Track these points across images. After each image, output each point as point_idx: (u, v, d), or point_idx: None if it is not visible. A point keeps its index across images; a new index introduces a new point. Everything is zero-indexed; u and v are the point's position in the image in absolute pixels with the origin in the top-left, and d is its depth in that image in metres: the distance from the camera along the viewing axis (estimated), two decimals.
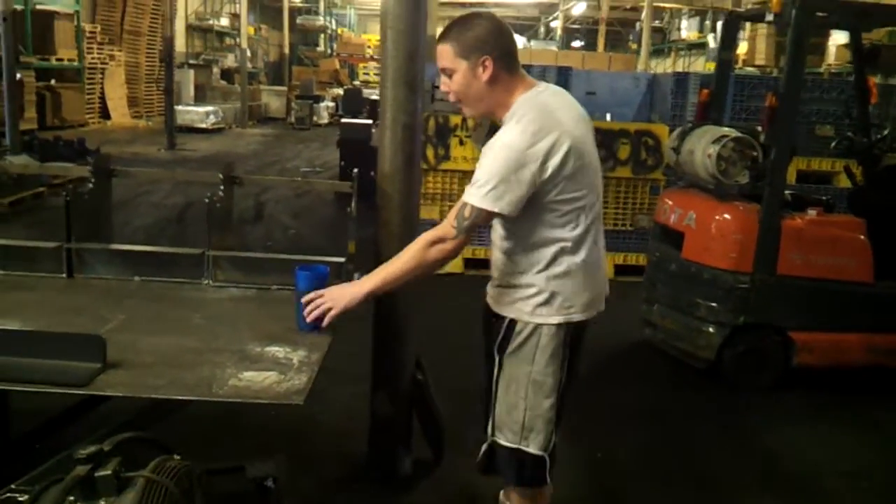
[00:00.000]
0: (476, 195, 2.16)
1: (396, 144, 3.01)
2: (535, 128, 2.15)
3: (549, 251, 2.25)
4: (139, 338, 2.28)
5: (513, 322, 2.30)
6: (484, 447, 2.43)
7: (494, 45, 2.21)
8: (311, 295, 2.35)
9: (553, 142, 2.14)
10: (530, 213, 2.21)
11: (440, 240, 2.23)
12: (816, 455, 3.86)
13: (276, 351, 2.27)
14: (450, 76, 2.25)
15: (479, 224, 2.22)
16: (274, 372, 2.11)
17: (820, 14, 4.17)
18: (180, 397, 1.93)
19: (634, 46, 26.82)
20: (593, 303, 2.34)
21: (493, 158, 2.16)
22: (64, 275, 2.82)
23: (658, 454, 3.81)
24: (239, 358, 2.19)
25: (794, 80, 4.16)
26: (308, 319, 2.34)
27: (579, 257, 2.27)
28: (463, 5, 27.39)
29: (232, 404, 2.13)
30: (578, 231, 2.26)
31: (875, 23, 5.27)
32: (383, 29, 2.92)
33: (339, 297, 2.32)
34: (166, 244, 3.27)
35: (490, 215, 2.19)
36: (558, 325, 2.28)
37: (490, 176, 2.14)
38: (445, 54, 2.23)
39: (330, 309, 2.32)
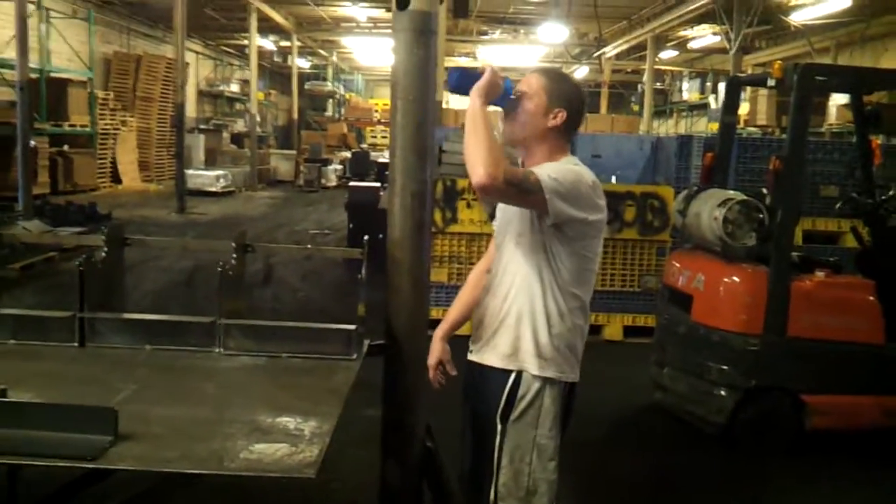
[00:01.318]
0: (549, 180, 2.21)
1: (406, 211, 3.03)
2: (596, 181, 2.34)
3: (565, 311, 2.30)
4: (150, 408, 2.27)
5: (518, 378, 2.32)
6: None
7: (575, 109, 2.39)
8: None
9: (603, 201, 2.33)
10: (565, 257, 2.30)
11: (500, 173, 2.18)
12: None
13: (288, 421, 2.26)
14: (521, 98, 2.37)
15: (525, 190, 2.22)
16: (285, 444, 2.09)
17: (820, 79, 4.24)
18: (191, 471, 1.92)
19: (636, 108, 27.21)
20: (578, 365, 2.43)
21: (565, 171, 2.26)
22: (76, 344, 2.83)
23: None
24: (250, 429, 2.18)
25: (797, 144, 4.21)
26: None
27: (584, 321, 2.40)
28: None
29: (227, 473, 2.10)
30: (589, 295, 2.40)
31: (874, 86, 5.35)
32: (393, 99, 2.97)
33: (485, 87, 2.31)
34: (176, 309, 3.29)
35: (539, 200, 2.21)
36: (561, 385, 2.35)
37: (562, 178, 2.23)
38: (534, 82, 2.38)
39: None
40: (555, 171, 2.25)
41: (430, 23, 2.90)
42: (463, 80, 2.41)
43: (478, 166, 2.20)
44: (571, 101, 2.38)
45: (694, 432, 4.62)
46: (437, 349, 2.59)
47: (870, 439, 4.50)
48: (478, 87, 2.30)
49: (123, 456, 1.92)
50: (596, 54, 22.46)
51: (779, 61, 4.33)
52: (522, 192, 2.22)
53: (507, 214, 2.43)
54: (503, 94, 2.38)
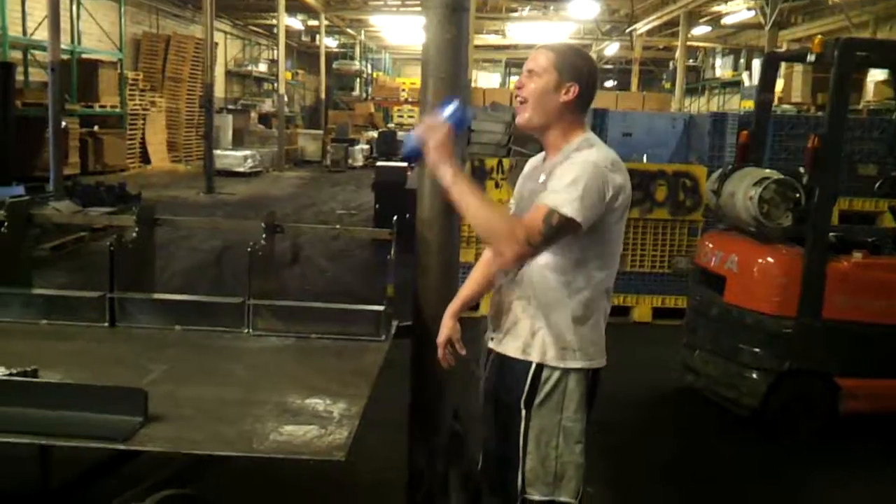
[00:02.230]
0: (569, 203, 2.09)
1: (435, 190, 2.99)
2: (614, 158, 2.22)
3: (588, 294, 2.24)
4: (180, 389, 2.28)
5: (539, 368, 2.27)
6: None
7: (587, 81, 2.28)
8: (422, 127, 2.20)
9: (625, 178, 2.21)
10: (585, 245, 2.20)
11: (523, 241, 2.08)
12: None
13: (317, 403, 2.25)
14: (532, 77, 2.27)
15: (562, 236, 2.14)
16: (315, 426, 2.09)
17: (860, 54, 4.11)
18: (221, 453, 1.91)
19: (668, 85, 26.82)
20: (604, 348, 2.36)
21: (579, 171, 2.14)
22: (106, 324, 2.85)
23: None
24: (280, 411, 2.18)
25: (837, 121, 4.10)
26: (413, 137, 2.19)
27: (607, 302, 2.33)
28: (497, 48, 27.75)
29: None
30: (612, 277, 2.32)
31: None
32: (424, 77, 2.93)
33: (440, 148, 2.14)
34: (205, 289, 3.28)
35: (575, 227, 2.13)
36: (585, 371, 2.29)
37: (578, 185, 2.11)
38: (543, 59, 2.27)
39: (427, 142, 2.15)
40: (571, 184, 2.11)
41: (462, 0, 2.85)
42: (412, 153, 2.22)
43: (498, 246, 2.13)
44: (582, 73, 2.27)
45: (725, 415, 4.56)
46: (447, 327, 2.48)
47: None
48: (433, 151, 2.14)
49: (153, 437, 1.92)
50: (627, 30, 22.15)
51: (819, 36, 4.21)
52: (554, 236, 2.11)
53: (524, 202, 2.34)
54: (459, 122, 2.25)
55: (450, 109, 2.25)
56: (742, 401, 4.40)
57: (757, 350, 4.32)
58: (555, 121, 2.29)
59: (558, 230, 2.10)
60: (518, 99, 2.33)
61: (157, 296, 3.02)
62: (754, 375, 4.32)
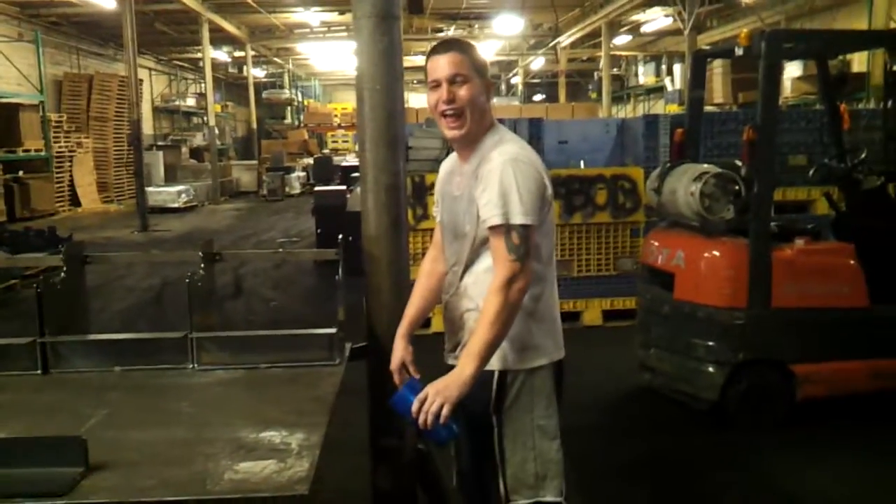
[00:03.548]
0: (518, 212, 2.06)
1: (381, 206, 2.91)
2: (530, 149, 2.20)
3: (533, 290, 2.19)
4: (123, 434, 2.13)
5: (503, 375, 2.22)
6: None
7: (488, 74, 2.27)
8: (416, 404, 2.07)
9: (544, 167, 2.19)
10: None
11: (511, 280, 2.06)
12: (838, 494, 3.73)
13: (273, 436, 2.13)
14: (460, 84, 2.18)
15: (532, 243, 2.09)
16: (273, 460, 1.96)
17: (787, 45, 4.19)
18: (172, 499, 1.77)
19: (594, 95, 27.29)
20: (562, 340, 2.33)
21: (507, 172, 2.08)
22: (39, 371, 2.67)
23: None
24: (233, 448, 2.04)
25: (769, 112, 4.15)
26: (429, 426, 2.06)
27: (555, 293, 2.31)
28: (422, 69, 27.85)
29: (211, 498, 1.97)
30: (553, 266, 2.30)
31: (840, 49, 5.33)
32: (359, 90, 2.85)
33: (446, 388, 2.06)
34: (146, 329, 3.12)
35: (533, 230, 2.09)
36: (548, 366, 2.26)
37: (514, 189, 2.07)
38: (461, 63, 2.18)
39: (443, 405, 2.05)
40: (507, 184, 2.07)
41: (392, 7, 2.78)
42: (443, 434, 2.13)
43: (516, 303, 2.10)
44: (486, 67, 2.26)
45: (684, 411, 4.56)
46: (398, 350, 2.40)
47: (861, 403, 4.46)
48: (449, 406, 2.06)
49: (96, 488, 1.78)
50: (552, 44, 22.49)
51: (745, 30, 4.27)
52: (526, 248, 2.08)
53: (457, 215, 2.28)
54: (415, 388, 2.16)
55: (407, 397, 2.15)
56: (700, 395, 4.41)
57: (711, 343, 4.33)
58: (481, 124, 2.24)
59: (523, 241, 2.07)
60: (449, 111, 2.19)
61: (92, 337, 2.85)
62: (710, 369, 4.34)
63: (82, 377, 2.65)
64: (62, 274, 2.88)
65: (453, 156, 2.38)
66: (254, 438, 2.12)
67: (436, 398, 2.05)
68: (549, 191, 2.19)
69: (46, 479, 1.77)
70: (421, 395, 2.08)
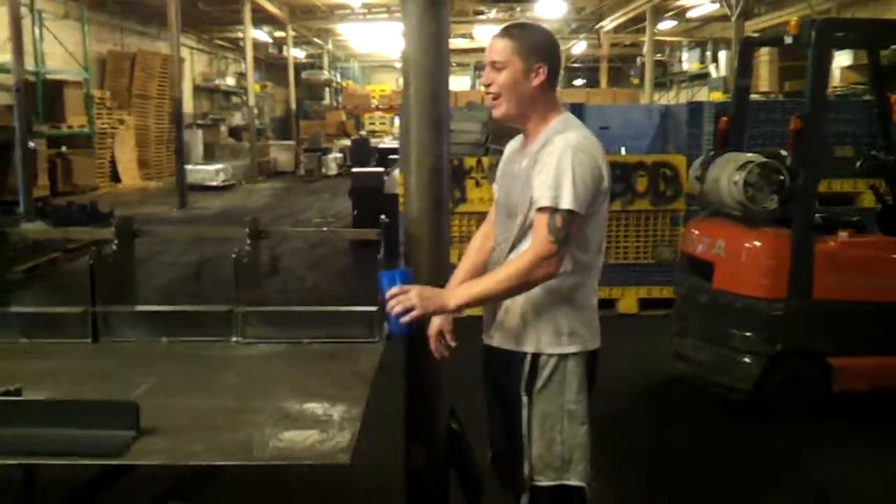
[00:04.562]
0: (568, 197, 2.08)
1: (423, 188, 2.93)
2: (593, 139, 2.20)
3: (575, 278, 2.22)
4: (172, 401, 2.20)
5: (536, 357, 2.25)
6: (524, 498, 2.32)
7: (551, 58, 2.25)
8: (396, 289, 2.13)
9: (604, 160, 2.20)
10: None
11: (542, 259, 2.08)
12: (875, 488, 3.70)
13: (315, 407, 2.18)
14: (498, 70, 2.23)
15: (574, 231, 2.11)
16: (315, 430, 2.02)
17: (838, 34, 4.12)
18: (221, 463, 1.83)
19: (636, 81, 26.95)
20: (599, 330, 2.34)
21: (566, 158, 2.11)
22: (89, 339, 2.75)
23: (706, 500, 3.66)
24: (277, 417, 2.10)
25: (817, 101, 4.10)
26: (392, 313, 2.12)
27: (596, 284, 2.31)
28: (466, 52, 27.78)
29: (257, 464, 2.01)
30: (600, 258, 2.30)
31: (893, 40, 5.22)
32: (406, 74, 2.87)
33: (427, 298, 2.12)
34: (185, 303, 3.20)
35: (578, 217, 2.10)
36: (582, 353, 2.27)
37: (568, 175, 2.09)
38: (502, 48, 2.22)
39: (413, 308, 2.10)
40: (561, 175, 2.09)
41: None
42: (403, 331, 2.18)
43: (536, 279, 2.12)
44: (545, 49, 2.24)
45: (718, 402, 4.54)
46: (437, 318, 2.43)
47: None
48: (421, 310, 2.11)
49: (148, 451, 1.84)
50: (594, 28, 22.26)
51: (795, 18, 4.20)
52: (566, 233, 2.09)
53: (513, 194, 2.31)
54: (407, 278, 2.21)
55: (395, 279, 2.19)
56: (736, 385, 4.38)
57: (748, 334, 4.30)
58: (531, 106, 2.26)
59: (566, 226, 2.09)
60: (489, 95, 2.28)
61: (141, 308, 2.93)
62: (747, 360, 4.31)
63: (131, 346, 2.74)
64: (113, 247, 2.95)
65: (520, 137, 2.40)
66: (297, 409, 2.17)
67: (413, 298, 2.11)
68: (606, 183, 2.20)
69: (100, 440, 1.84)
70: (405, 288, 2.13)
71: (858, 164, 5.04)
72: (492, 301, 2.18)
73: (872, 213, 5.03)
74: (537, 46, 2.23)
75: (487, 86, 2.27)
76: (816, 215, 4.31)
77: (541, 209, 2.11)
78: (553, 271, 2.11)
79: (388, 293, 2.13)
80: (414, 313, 2.10)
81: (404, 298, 2.11)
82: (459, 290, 2.18)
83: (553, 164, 2.11)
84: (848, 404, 4.31)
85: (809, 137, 4.10)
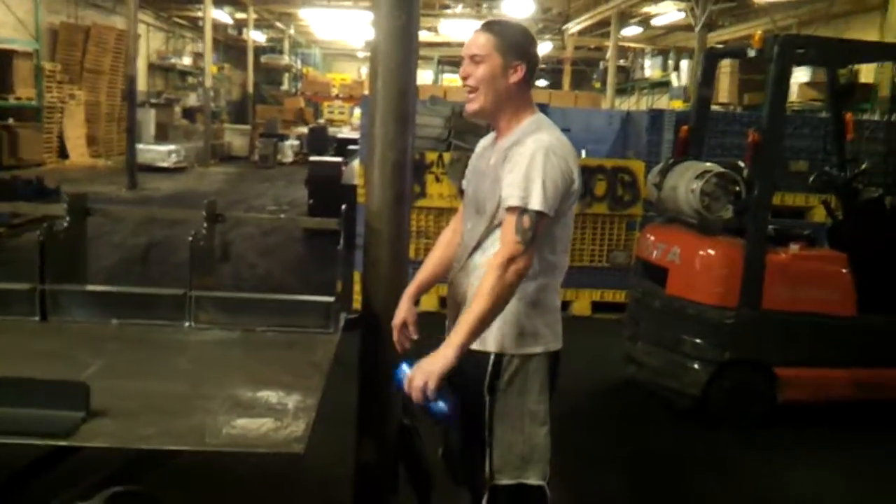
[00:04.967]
0: (537, 198, 2.08)
1: (385, 181, 2.91)
2: (565, 141, 2.21)
3: (541, 280, 2.24)
4: (122, 384, 2.14)
5: (499, 357, 2.25)
6: (486, 497, 2.33)
7: (530, 58, 2.27)
8: (406, 380, 2.10)
9: (575, 163, 2.20)
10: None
11: (510, 260, 2.07)
12: (810, 495, 3.80)
13: (270, 396, 2.15)
14: (477, 63, 2.23)
15: (540, 231, 2.11)
16: (269, 418, 1.99)
17: (800, 50, 4.21)
18: (174, 447, 1.79)
19: (598, 85, 27.23)
20: (561, 331, 2.36)
21: (536, 160, 2.11)
22: (37, 318, 2.66)
23: (649, 499, 3.72)
24: (231, 404, 2.06)
25: (776, 116, 4.18)
26: (417, 401, 2.10)
27: (559, 286, 2.33)
28: (430, 45, 27.71)
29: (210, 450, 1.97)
30: (565, 260, 2.33)
31: (852, 59, 5.36)
32: (373, 66, 2.84)
33: (431, 364, 2.08)
34: (134, 285, 3.13)
35: (546, 218, 2.11)
36: (545, 355, 2.29)
37: (538, 176, 2.09)
38: (483, 43, 2.23)
39: (426, 385, 2.06)
40: (531, 175, 2.10)
41: None
42: (442, 412, 2.13)
43: (512, 282, 2.09)
44: (525, 49, 2.26)
45: (666, 406, 4.61)
46: (402, 308, 2.44)
47: (840, 411, 4.53)
48: (434, 381, 2.06)
49: (98, 433, 1.79)
50: (560, 29, 22.38)
51: (759, 32, 4.28)
52: (533, 234, 2.09)
53: (481, 190, 2.31)
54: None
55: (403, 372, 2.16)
56: (684, 391, 4.46)
57: (698, 341, 4.38)
58: (505, 103, 2.27)
59: (533, 227, 2.09)
60: (466, 88, 2.28)
61: (92, 288, 2.85)
62: (696, 366, 4.38)
63: (80, 327, 2.66)
64: (65, 224, 2.86)
65: (492, 134, 2.40)
66: (251, 397, 2.14)
67: (420, 374, 2.07)
68: (577, 185, 2.21)
69: (48, 420, 1.78)
70: (409, 373, 2.10)
71: (811, 179, 5.16)
72: (488, 322, 2.12)
73: (824, 228, 5.15)
74: (517, 45, 2.23)
75: (465, 78, 2.27)
76: (770, 227, 4.40)
77: (510, 209, 2.11)
78: (523, 270, 2.10)
79: (405, 389, 2.10)
80: (431, 384, 2.05)
81: (416, 385, 2.06)
82: (453, 335, 2.10)
83: (524, 164, 2.11)
84: (794, 413, 4.41)
85: (766, 151, 4.18)
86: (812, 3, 15.77)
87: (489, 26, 2.27)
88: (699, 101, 4.88)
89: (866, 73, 12.52)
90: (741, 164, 4.42)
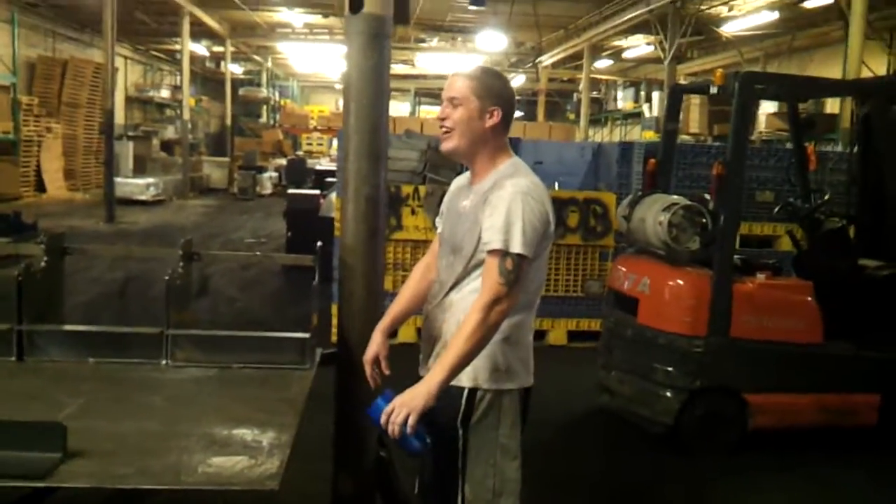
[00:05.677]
0: (518, 241, 2.16)
1: (359, 217, 2.99)
2: (542, 185, 2.29)
3: (515, 318, 2.29)
4: (99, 424, 2.18)
5: (473, 392, 2.30)
6: None
7: (507, 104, 2.35)
8: (384, 415, 2.13)
9: (549, 205, 2.28)
10: None
11: (494, 301, 2.15)
12: None
13: (245, 433, 2.19)
14: (455, 106, 2.31)
15: (522, 273, 2.18)
16: (244, 456, 2.04)
17: (759, 86, 4.35)
18: (150, 486, 1.83)
19: (572, 116, 27.59)
20: (532, 366, 2.41)
21: (517, 203, 2.19)
22: (13, 358, 2.69)
23: None
24: (206, 442, 2.11)
25: (739, 149, 4.31)
26: (393, 436, 2.13)
27: (532, 322, 2.39)
28: (406, 78, 27.98)
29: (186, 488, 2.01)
30: (538, 298, 2.39)
31: (810, 94, 5.53)
32: (346, 103, 2.94)
33: (412, 400, 2.12)
34: (111, 322, 3.15)
35: (527, 261, 2.18)
36: (518, 391, 2.35)
37: (518, 220, 2.17)
38: (462, 86, 2.31)
39: (409, 415, 2.10)
40: (510, 220, 2.18)
41: (384, 26, 2.88)
42: (416, 445, 2.18)
43: (495, 324, 2.17)
44: (502, 95, 2.34)
45: (640, 434, 4.67)
46: (375, 343, 2.49)
47: (810, 437, 4.61)
48: (416, 413, 2.11)
49: (75, 473, 1.83)
50: (534, 62, 22.72)
51: (720, 69, 4.44)
52: (516, 276, 2.17)
53: (458, 231, 2.37)
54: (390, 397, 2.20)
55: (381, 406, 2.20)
56: (656, 418, 4.52)
57: (669, 369, 4.45)
58: (481, 146, 2.34)
59: (516, 269, 2.16)
60: (442, 129, 2.36)
61: (69, 327, 2.88)
62: (668, 394, 4.45)
63: (57, 366, 2.69)
64: (43, 263, 2.90)
65: (467, 174, 2.47)
66: (226, 435, 2.18)
67: (401, 409, 2.11)
68: (552, 228, 2.29)
69: (25, 462, 1.82)
70: (388, 407, 2.14)
71: (776, 210, 5.30)
72: (469, 360, 2.18)
73: (790, 257, 5.28)
74: (495, 91, 2.32)
75: (442, 119, 2.35)
76: (736, 257, 4.51)
77: (491, 252, 2.19)
78: (506, 311, 2.17)
79: (382, 422, 2.14)
80: (411, 420, 2.10)
81: (394, 416, 2.11)
82: (435, 371, 2.16)
83: (504, 209, 2.19)
84: (764, 440, 4.49)
85: (730, 183, 4.31)
86: (776, 38, 16.18)
87: (469, 72, 2.36)
88: (666, 135, 5.01)
89: (832, 103, 12.85)
90: (707, 196, 4.54)
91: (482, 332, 2.15)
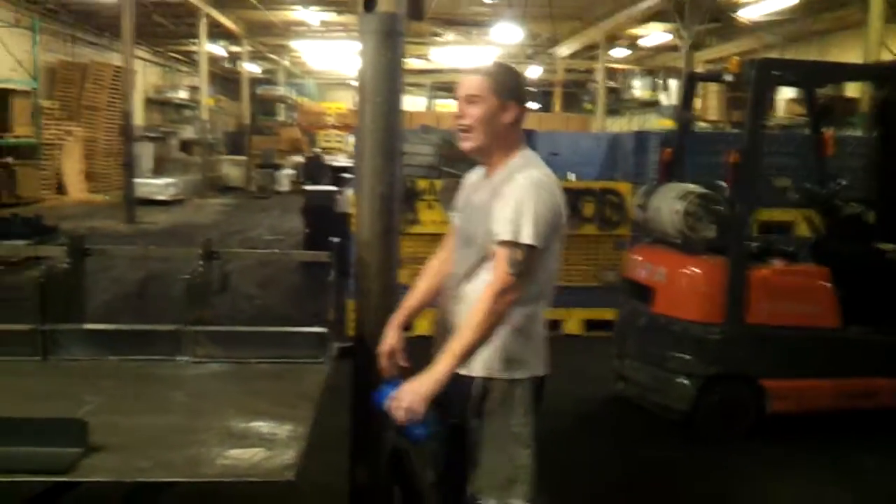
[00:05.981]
0: (527, 232, 2.19)
1: (374, 213, 3.02)
2: (553, 177, 2.33)
3: (526, 309, 2.31)
4: (120, 419, 2.23)
5: (486, 381, 2.33)
6: None
7: (522, 98, 2.39)
8: (389, 403, 2.20)
9: (561, 196, 2.32)
10: None
11: (503, 291, 2.19)
12: None
13: (262, 426, 2.23)
14: (472, 104, 2.34)
15: (531, 264, 2.21)
16: (261, 448, 2.07)
17: (775, 73, 4.33)
18: (168, 479, 1.88)
19: (589, 106, 27.44)
20: (546, 357, 2.44)
21: (528, 195, 2.22)
22: (38, 357, 2.75)
23: None
24: (224, 435, 2.15)
25: (755, 137, 4.30)
26: (401, 423, 2.19)
27: (543, 312, 2.42)
28: (422, 72, 27.96)
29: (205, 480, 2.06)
30: (551, 289, 2.41)
31: (827, 80, 5.49)
32: (361, 102, 2.96)
33: (418, 386, 2.19)
34: (131, 320, 3.21)
35: (537, 251, 2.21)
36: (530, 380, 2.37)
37: (530, 212, 2.20)
38: (478, 85, 2.34)
39: (414, 402, 2.17)
40: (521, 210, 2.21)
41: (397, 24, 2.90)
42: (420, 432, 2.26)
43: (501, 311, 2.21)
44: (517, 90, 2.38)
45: (656, 421, 4.68)
46: (390, 336, 2.53)
47: (830, 421, 4.60)
48: (422, 401, 2.18)
49: (96, 468, 1.87)
50: (549, 52, 22.62)
51: (736, 57, 4.43)
52: (525, 266, 2.21)
53: (472, 224, 2.41)
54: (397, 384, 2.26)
55: (386, 393, 2.27)
56: (673, 406, 4.54)
57: (685, 356, 4.46)
58: (498, 141, 2.38)
59: (525, 260, 2.20)
60: (460, 127, 2.39)
61: (90, 326, 2.93)
62: (684, 381, 4.46)
63: (79, 365, 2.74)
64: (65, 265, 2.96)
65: (481, 168, 2.50)
66: (244, 428, 2.22)
67: (407, 395, 2.17)
68: (563, 219, 2.32)
69: (48, 457, 1.87)
70: (394, 392, 2.19)
71: (790, 193, 5.27)
72: (476, 348, 2.23)
73: (808, 243, 5.25)
74: (510, 86, 2.36)
75: (460, 118, 2.37)
76: (752, 244, 4.50)
77: (502, 242, 2.22)
78: (513, 301, 2.21)
79: (385, 408, 2.20)
80: (417, 406, 2.16)
81: (399, 402, 2.18)
82: (440, 360, 2.21)
83: (514, 200, 2.22)
84: (782, 426, 4.48)
85: (746, 171, 4.29)
86: (795, 23, 15.97)
87: (486, 70, 2.39)
88: (681, 123, 5.00)
89: (852, 87, 12.70)
90: (723, 184, 4.53)
91: (489, 321, 2.19)
